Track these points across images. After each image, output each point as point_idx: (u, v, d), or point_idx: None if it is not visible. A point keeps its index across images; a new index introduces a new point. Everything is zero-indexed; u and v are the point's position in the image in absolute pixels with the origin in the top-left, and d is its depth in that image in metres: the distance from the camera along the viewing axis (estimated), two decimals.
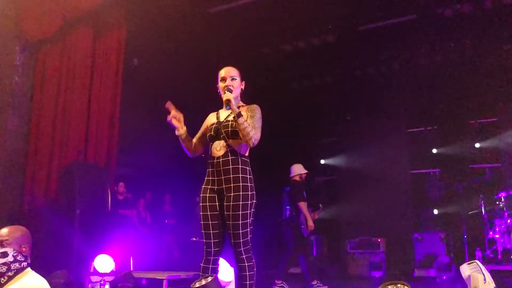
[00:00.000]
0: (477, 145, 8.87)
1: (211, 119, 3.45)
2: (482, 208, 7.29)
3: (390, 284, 2.54)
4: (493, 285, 4.36)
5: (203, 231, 3.21)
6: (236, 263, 3.17)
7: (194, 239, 9.52)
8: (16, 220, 5.87)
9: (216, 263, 3.26)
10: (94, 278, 5.72)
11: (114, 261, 5.82)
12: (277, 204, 6.64)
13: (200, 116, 3.60)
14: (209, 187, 3.27)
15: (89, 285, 5.43)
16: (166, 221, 9.35)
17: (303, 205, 6.13)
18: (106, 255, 5.81)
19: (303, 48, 8.20)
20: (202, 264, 3.23)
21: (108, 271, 5.67)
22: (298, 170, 6.42)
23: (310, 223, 6.11)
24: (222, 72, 3.38)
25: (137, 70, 7.83)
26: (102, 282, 5.64)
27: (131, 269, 6.32)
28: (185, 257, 8.90)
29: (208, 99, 3.83)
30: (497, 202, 7.18)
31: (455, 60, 8.09)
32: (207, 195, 3.26)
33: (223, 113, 3.40)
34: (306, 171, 6.43)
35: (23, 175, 6.25)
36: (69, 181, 5.87)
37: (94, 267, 5.71)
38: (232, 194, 3.15)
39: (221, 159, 3.22)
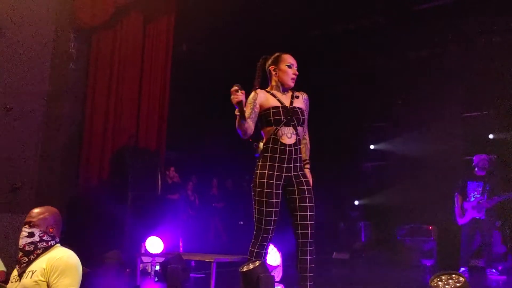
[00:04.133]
0: None
1: (270, 100, 3.32)
2: None
3: (444, 274, 2.45)
4: None
5: (264, 217, 3.18)
6: (302, 254, 3.21)
7: (241, 223, 9.63)
8: (71, 202, 6.14)
9: (267, 248, 3.34)
10: (145, 259, 5.91)
11: (164, 242, 5.98)
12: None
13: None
14: (276, 173, 3.22)
15: (141, 265, 5.61)
16: (213, 204, 9.49)
17: None
18: (157, 237, 5.97)
19: (353, 29, 8.00)
20: (255, 249, 3.23)
21: (158, 252, 5.83)
22: None
23: None
24: (290, 59, 3.42)
25: (187, 56, 7.92)
26: (152, 263, 5.82)
27: (181, 251, 6.47)
28: (232, 240, 9.03)
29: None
30: None
31: None
32: (273, 181, 3.20)
33: (284, 97, 3.37)
34: None
35: (78, 159, 6.49)
36: (121, 165, 6.06)
37: (146, 248, 5.89)
38: (305, 187, 3.27)
39: (293, 147, 3.25)
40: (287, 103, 3.32)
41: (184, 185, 8.66)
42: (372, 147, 10.28)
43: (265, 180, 3.19)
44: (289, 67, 3.37)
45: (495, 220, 6.27)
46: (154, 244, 5.93)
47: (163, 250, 5.91)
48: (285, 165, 3.22)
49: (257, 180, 3.22)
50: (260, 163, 3.26)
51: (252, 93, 3.31)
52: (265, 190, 3.18)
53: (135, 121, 6.57)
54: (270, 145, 3.24)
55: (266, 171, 3.21)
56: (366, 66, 9.11)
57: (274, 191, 3.19)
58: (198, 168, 9.29)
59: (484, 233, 6.20)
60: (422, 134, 8.98)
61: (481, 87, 8.63)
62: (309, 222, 3.21)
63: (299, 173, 3.28)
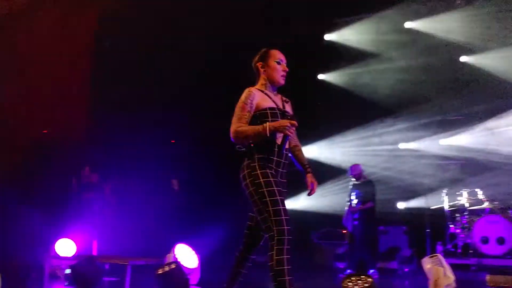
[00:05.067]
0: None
1: (266, 100, 3.12)
2: (445, 203, 7.47)
3: (354, 275, 2.56)
4: (453, 277, 4.48)
5: (284, 217, 2.90)
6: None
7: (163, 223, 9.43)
8: None
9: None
10: (54, 262, 5.60)
11: (77, 245, 5.71)
12: None
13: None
14: (274, 179, 2.99)
15: (50, 269, 5.30)
16: (132, 206, 9.22)
17: None
18: (68, 239, 5.69)
19: None
20: (285, 256, 2.87)
21: (69, 255, 5.56)
22: None
23: None
24: (279, 54, 3.22)
25: (110, 51, 7.65)
26: (62, 266, 5.53)
27: (95, 253, 6.21)
28: (150, 243, 8.83)
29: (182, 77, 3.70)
30: (459, 198, 7.38)
31: None
32: (278, 179, 3.02)
33: (276, 99, 3.19)
34: None
35: None
36: (31, 161, 5.71)
37: (55, 251, 5.59)
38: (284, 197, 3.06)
39: (285, 152, 3.12)
40: (280, 105, 3.17)
41: (103, 184, 8.33)
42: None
43: (272, 179, 2.96)
44: (278, 63, 3.17)
45: (368, 225, 6.67)
46: (64, 247, 5.65)
47: (75, 252, 5.64)
48: (280, 170, 3.09)
49: (262, 180, 2.94)
50: (257, 163, 2.99)
51: (246, 93, 3.08)
52: (275, 188, 2.94)
53: (50, 117, 6.24)
54: (267, 147, 3.04)
55: (268, 171, 2.99)
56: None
57: (280, 189, 2.99)
58: (119, 168, 8.99)
59: (358, 237, 6.59)
60: (334, 142, 9.34)
61: None
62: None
63: (284, 180, 3.14)
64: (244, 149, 3.09)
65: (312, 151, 9.43)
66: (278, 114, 3.07)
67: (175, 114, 8.21)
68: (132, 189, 9.31)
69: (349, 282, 2.50)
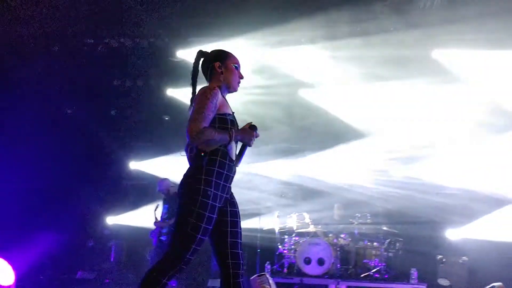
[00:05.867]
0: None
1: (226, 106, 2.87)
2: (276, 225, 7.94)
3: None
4: None
5: (194, 246, 2.66)
6: (236, 267, 2.78)
7: None
8: None
9: None
10: None
11: None
12: None
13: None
14: (220, 194, 2.75)
15: None
16: None
17: None
18: None
19: None
20: (164, 279, 2.68)
21: None
22: None
23: None
24: (237, 59, 3.01)
25: None
26: None
27: None
28: None
29: None
30: (288, 221, 7.91)
31: None
32: (217, 204, 2.73)
33: (230, 106, 2.93)
34: None
35: None
36: None
37: None
38: (237, 209, 2.91)
39: (235, 166, 2.89)
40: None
41: None
42: (131, 165, 10.17)
43: (210, 202, 2.67)
44: (236, 68, 2.96)
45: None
46: None
47: None
48: (227, 185, 2.82)
49: (200, 198, 2.64)
50: (203, 176, 2.68)
51: (212, 91, 2.75)
52: (207, 214, 2.65)
53: None
54: (219, 158, 2.74)
55: (212, 190, 2.69)
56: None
57: (214, 216, 2.72)
58: None
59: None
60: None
61: None
62: (239, 251, 2.82)
63: (232, 193, 2.91)
64: (191, 154, 2.79)
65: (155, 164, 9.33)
66: (235, 123, 2.88)
67: None
68: None
69: None
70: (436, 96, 7.46)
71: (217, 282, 4.51)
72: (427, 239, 7.79)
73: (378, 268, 7.26)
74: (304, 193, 8.92)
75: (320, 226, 7.92)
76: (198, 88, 2.88)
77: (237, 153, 2.89)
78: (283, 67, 8.14)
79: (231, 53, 3.01)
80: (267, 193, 8.98)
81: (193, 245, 2.65)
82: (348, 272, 7.41)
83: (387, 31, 7.08)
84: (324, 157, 8.63)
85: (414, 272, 7.02)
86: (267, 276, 5.10)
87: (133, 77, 9.17)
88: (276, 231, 7.96)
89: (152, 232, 6.97)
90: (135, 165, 9.82)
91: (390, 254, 7.52)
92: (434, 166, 7.89)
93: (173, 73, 8.59)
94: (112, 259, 8.75)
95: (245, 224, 8.54)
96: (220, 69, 2.91)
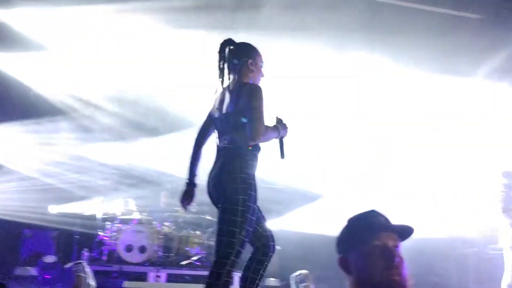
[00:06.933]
0: None
1: None
2: (98, 211, 7.62)
3: None
4: (94, 285, 4.61)
5: (246, 239, 2.89)
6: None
7: None
8: None
9: None
10: None
11: None
12: None
13: None
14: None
15: None
16: None
17: None
18: None
19: None
20: (229, 279, 2.86)
21: None
22: None
23: None
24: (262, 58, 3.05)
25: None
26: None
27: None
28: None
29: None
30: (113, 207, 7.68)
31: None
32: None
33: None
34: None
35: None
36: None
37: None
38: None
39: None
40: None
41: None
42: None
43: (256, 195, 2.89)
44: (262, 67, 3.02)
45: None
46: None
47: None
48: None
49: (253, 193, 2.83)
50: (250, 171, 2.84)
51: (260, 90, 2.83)
52: (256, 207, 2.91)
53: None
54: (257, 153, 2.94)
55: (256, 185, 2.89)
56: None
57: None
58: None
59: None
60: None
61: None
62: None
63: None
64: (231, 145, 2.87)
65: None
66: None
67: None
68: None
69: None
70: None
71: None
72: None
73: (199, 256, 7.47)
74: (133, 180, 8.71)
75: (145, 214, 7.84)
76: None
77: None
78: None
79: (258, 51, 3.05)
80: (93, 177, 8.56)
81: (246, 239, 2.92)
82: (169, 260, 7.46)
83: None
84: (156, 144, 8.56)
85: None
86: (83, 264, 4.87)
87: None
88: (98, 217, 7.64)
89: None
90: None
91: (212, 243, 7.79)
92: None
93: None
94: None
95: (64, 208, 8.13)
96: (252, 67, 2.95)
